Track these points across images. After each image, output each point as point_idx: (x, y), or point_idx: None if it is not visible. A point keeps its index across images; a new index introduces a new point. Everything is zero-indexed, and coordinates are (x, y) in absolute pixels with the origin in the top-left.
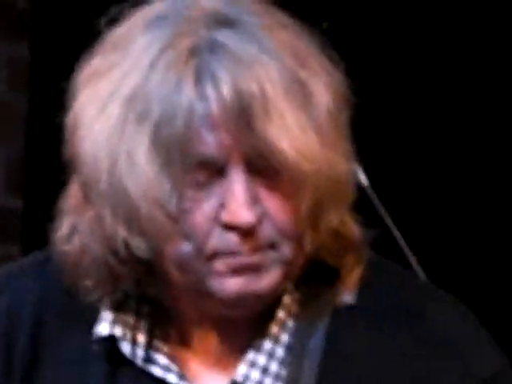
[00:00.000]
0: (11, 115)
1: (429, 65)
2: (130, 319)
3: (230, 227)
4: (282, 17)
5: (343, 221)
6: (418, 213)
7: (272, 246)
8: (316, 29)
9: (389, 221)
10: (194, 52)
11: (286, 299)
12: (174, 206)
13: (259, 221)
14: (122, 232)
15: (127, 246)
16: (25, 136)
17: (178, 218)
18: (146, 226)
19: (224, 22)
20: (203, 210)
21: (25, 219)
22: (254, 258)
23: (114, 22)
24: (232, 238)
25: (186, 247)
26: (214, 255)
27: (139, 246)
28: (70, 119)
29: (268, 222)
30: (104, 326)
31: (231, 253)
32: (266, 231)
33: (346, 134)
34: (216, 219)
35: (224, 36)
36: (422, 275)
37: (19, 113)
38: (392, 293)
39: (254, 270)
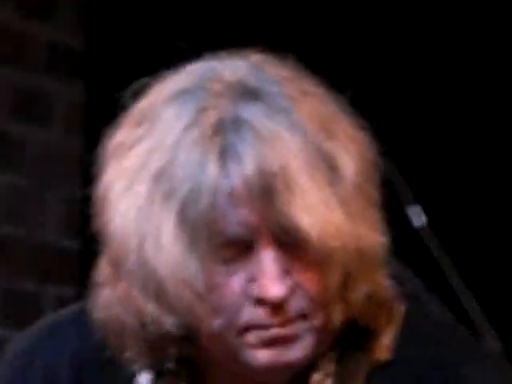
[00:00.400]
0: (66, 158)
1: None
2: (169, 381)
3: (260, 301)
4: (307, 83)
5: (375, 283)
6: (481, 257)
7: (303, 316)
8: (342, 95)
9: (448, 266)
10: (217, 129)
11: (322, 360)
12: (202, 285)
13: (290, 293)
14: (151, 309)
15: (158, 322)
16: (80, 177)
17: (206, 297)
18: (174, 304)
19: (248, 94)
20: (233, 285)
21: (81, 261)
22: (286, 330)
23: (138, 94)
24: (263, 312)
25: (217, 322)
26: (246, 329)
27: (170, 322)
28: (98, 193)
29: (298, 294)
30: None
31: (263, 326)
32: (297, 303)
33: (375, 202)
34: (246, 293)
35: (248, 111)
36: (482, 324)
37: (74, 156)
38: (429, 351)
39: (285, 341)
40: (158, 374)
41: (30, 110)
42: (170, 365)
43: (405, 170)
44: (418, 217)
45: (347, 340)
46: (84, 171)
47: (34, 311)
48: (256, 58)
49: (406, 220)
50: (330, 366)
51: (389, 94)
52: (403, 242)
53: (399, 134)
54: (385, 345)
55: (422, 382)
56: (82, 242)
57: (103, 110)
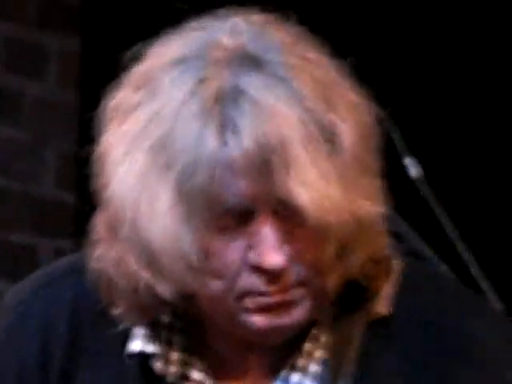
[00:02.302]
0: (62, 110)
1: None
2: (164, 334)
3: (258, 269)
4: (309, 49)
5: (373, 245)
6: (475, 207)
7: (300, 283)
8: (343, 58)
9: (443, 216)
10: (216, 101)
11: (321, 317)
12: (196, 257)
13: (287, 262)
14: (145, 276)
15: (151, 288)
16: (77, 131)
17: (200, 268)
18: (168, 274)
19: (248, 62)
20: (231, 252)
21: (77, 213)
22: (283, 297)
23: (138, 57)
24: (261, 280)
25: (216, 285)
26: (244, 294)
27: (163, 289)
28: (97, 154)
29: (296, 261)
30: (136, 343)
31: (260, 293)
32: (295, 271)
33: (374, 170)
34: (244, 261)
35: (248, 82)
36: (476, 273)
37: (70, 108)
38: (428, 304)
39: (282, 307)
40: (153, 326)
41: (26, 64)
42: (165, 318)
43: (400, 122)
44: (414, 168)
45: (345, 297)
46: (81, 124)
47: (30, 264)
48: (257, 19)
49: (403, 171)
50: (328, 322)
51: (388, 49)
52: (400, 193)
53: (396, 87)
54: (382, 301)
55: (421, 333)
56: (79, 195)
57: (99, 62)
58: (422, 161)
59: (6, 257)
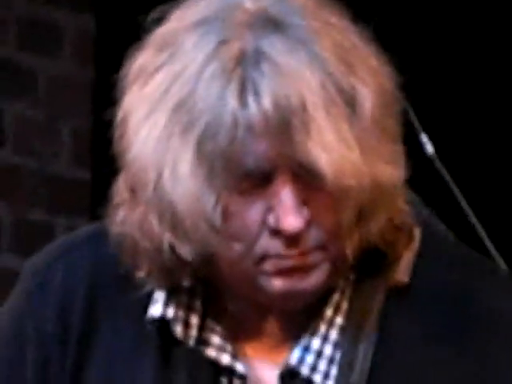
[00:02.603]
0: (77, 88)
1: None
2: (184, 298)
3: (277, 232)
4: (331, 14)
5: (393, 209)
6: (489, 185)
7: (319, 247)
8: (366, 25)
9: (457, 192)
10: (238, 63)
11: (341, 283)
12: (218, 218)
13: (306, 225)
14: (168, 237)
15: (174, 249)
16: (92, 108)
17: (222, 229)
18: (190, 234)
19: (270, 24)
20: (250, 215)
21: (93, 191)
22: (302, 260)
23: (160, 20)
24: (280, 243)
25: (234, 249)
26: (263, 257)
27: (186, 251)
28: (119, 117)
29: (315, 225)
30: (157, 308)
31: (279, 256)
32: (314, 235)
33: (393, 135)
34: (264, 223)
35: (269, 44)
36: (491, 249)
37: (85, 85)
38: (445, 272)
39: (301, 270)
40: (173, 290)
41: (40, 42)
42: (186, 282)
43: (414, 101)
44: (429, 144)
45: (365, 264)
46: (96, 102)
47: (46, 242)
48: None
49: (419, 147)
50: (348, 289)
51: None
52: (416, 169)
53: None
54: (403, 268)
55: (441, 301)
56: (94, 172)
57: (113, 39)
58: (436, 138)
59: (22, 234)
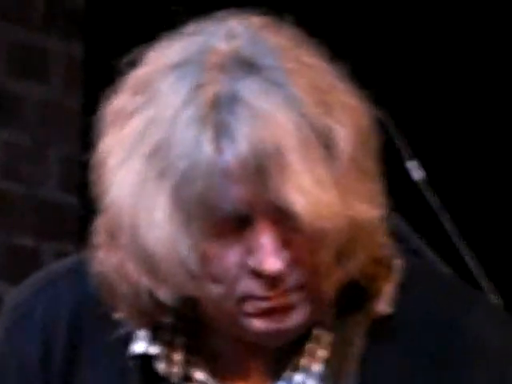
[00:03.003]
0: (65, 114)
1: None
2: (167, 335)
3: (257, 274)
4: (305, 53)
5: (373, 246)
6: (479, 210)
7: (299, 287)
8: (340, 60)
9: (446, 218)
10: (213, 107)
11: (322, 317)
12: (195, 263)
13: (287, 267)
14: (145, 281)
15: (152, 294)
16: (79, 135)
17: (199, 274)
18: (168, 280)
19: (245, 66)
20: (229, 257)
21: (81, 216)
22: (282, 301)
23: (136, 60)
24: (260, 284)
25: (216, 290)
26: (244, 299)
27: (164, 295)
28: (97, 159)
29: (295, 266)
30: (139, 345)
31: (260, 297)
32: (294, 275)
33: (372, 173)
34: (243, 265)
35: (244, 87)
36: (480, 277)
37: (73, 112)
38: (428, 302)
39: (282, 311)
40: (156, 327)
41: (29, 68)
42: (167, 320)
43: (403, 125)
44: (416, 171)
45: (346, 298)
46: (83, 129)
47: (33, 267)
48: (254, 22)
49: (406, 174)
50: (328, 323)
51: (388, 51)
52: (402, 196)
53: (396, 89)
54: (384, 300)
55: (422, 331)
56: (82, 198)
57: (102, 67)
58: (424, 164)
59: (8, 260)
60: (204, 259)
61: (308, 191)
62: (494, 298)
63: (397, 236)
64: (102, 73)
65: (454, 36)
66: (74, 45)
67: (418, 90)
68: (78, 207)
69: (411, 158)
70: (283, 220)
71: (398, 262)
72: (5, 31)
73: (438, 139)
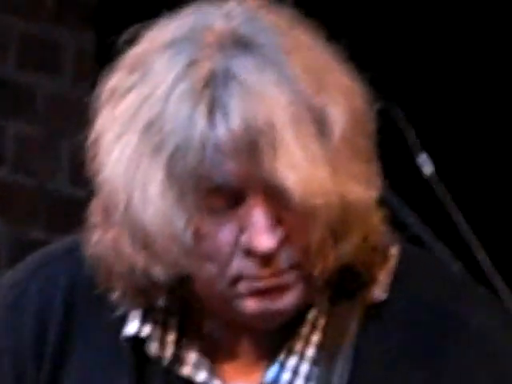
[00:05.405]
0: (76, 107)
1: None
2: (160, 316)
3: (250, 253)
4: (302, 33)
5: (367, 229)
6: (490, 205)
7: (293, 266)
8: (337, 42)
9: (456, 214)
10: (207, 83)
11: (317, 301)
12: (189, 239)
13: (279, 245)
14: (141, 258)
15: (147, 271)
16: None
17: (193, 250)
18: (163, 257)
19: (240, 45)
20: (222, 235)
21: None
22: (276, 281)
23: (132, 41)
24: (253, 263)
25: (208, 271)
26: (237, 279)
27: (159, 272)
28: (91, 138)
29: (288, 245)
30: (133, 326)
31: (253, 277)
32: (287, 254)
33: (365, 154)
34: (236, 244)
35: (238, 64)
36: (491, 272)
37: (84, 104)
38: (424, 289)
39: (275, 291)
40: (149, 308)
41: (41, 60)
42: (161, 301)
43: (412, 118)
44: (427, 165)
45: (341, 283)
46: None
47: None
48: (252, 3)
49: (416, 168)
50: (325, 305)
51: (392, 40)
52: (413, 190)
53: (405, 82)
54: (379, 287)
55: (417, 318)
56: (92, 190)
57: (113, 59)
58: (435, 159)
59: (20, 253)
60: (198, 236)
61: (299, 167)
62: (505, 295)
63: (397, 221)
64: (113, 65)
65: (460, 31)
66: (86, 37)
67: (429, 84)
68: (89, 199)
69: (421, 152)
70: (275, 197)
71: (395, 249)
72: (16, 24)
73: (450, 133)
